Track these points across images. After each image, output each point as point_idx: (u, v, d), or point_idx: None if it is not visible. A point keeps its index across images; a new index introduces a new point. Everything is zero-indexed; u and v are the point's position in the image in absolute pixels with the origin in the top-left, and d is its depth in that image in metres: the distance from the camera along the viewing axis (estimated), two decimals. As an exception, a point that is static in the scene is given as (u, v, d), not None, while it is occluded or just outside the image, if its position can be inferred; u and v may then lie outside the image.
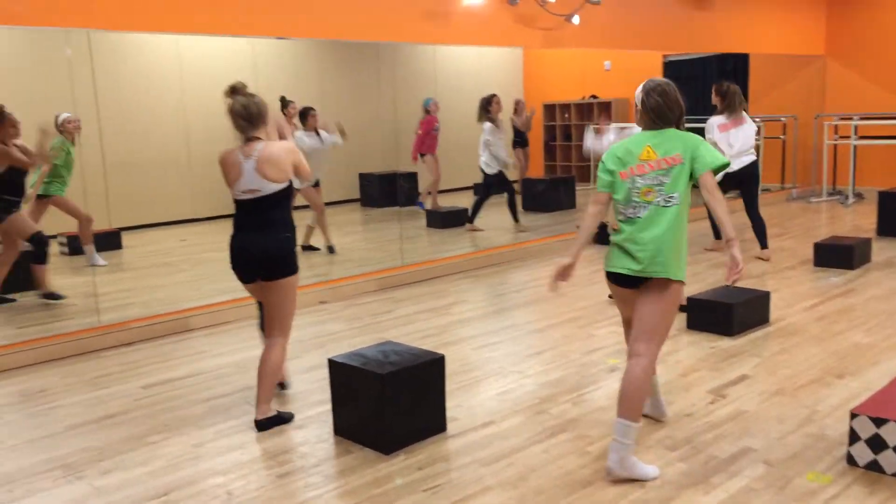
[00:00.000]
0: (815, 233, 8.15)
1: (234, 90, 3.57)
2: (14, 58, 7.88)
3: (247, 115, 3.52)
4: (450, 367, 3.84)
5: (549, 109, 12.79)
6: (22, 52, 7.93)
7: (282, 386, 4.04)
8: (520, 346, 4.75)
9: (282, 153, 3.54)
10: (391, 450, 3.31)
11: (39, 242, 5.76)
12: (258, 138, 3.56)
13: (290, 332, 3.75)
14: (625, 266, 3.08)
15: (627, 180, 3.06)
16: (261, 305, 3.86)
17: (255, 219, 3.56)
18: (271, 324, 3.68)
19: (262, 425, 3.59)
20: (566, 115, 12.68)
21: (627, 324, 3.29)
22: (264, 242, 3.56)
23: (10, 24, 4.76)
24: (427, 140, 9.61)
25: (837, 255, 6.47)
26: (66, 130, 6.54)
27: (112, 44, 8.48)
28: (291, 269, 3.63)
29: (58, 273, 6.69)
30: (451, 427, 3.53)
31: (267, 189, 3.52)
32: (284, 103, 7.46)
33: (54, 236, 7.37)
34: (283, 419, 3.67)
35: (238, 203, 3.60)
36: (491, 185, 8.46)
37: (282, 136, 3.99)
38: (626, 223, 3.08)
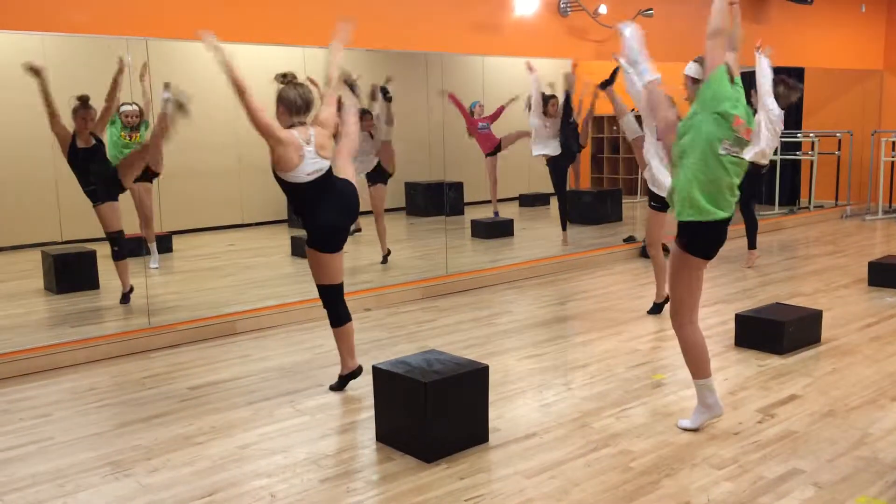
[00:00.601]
0: (870, 251, 7.93)
1: (286, 77, 3.92)
2: (73, 66, 8.12)
3: (304, 102, 3.88)
4: (493, 378, 3.82)
5: (598, 122, 12.70)
6: (82, 59, 8.16)
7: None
8: (564, 359, 4.71)
9: (326, 135, 3.93)
10: (433, 458, 3.31)
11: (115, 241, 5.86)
12: (304, 123, 3.90)
13: None
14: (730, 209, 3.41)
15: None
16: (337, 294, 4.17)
17: (329, 197, 3.92)
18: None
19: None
20: (614, 128, 12.58)
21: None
22: (350, 195, 3.98)
23: (73, 32, 4.92)
24: (480, 139, 9.51)
25: (893, 274, 6.29)
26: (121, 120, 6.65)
27: (169, 52, 8.68)
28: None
29: (112, 275, 6.86)
30: (493, 438, 3.52)
31: (326, 166, 3.89)
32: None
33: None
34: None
35: (306, 185, 3.86)
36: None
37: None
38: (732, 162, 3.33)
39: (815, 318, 4.90)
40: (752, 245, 7.20)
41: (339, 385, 4.22)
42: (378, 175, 7.32)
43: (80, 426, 3.83)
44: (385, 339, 5.20)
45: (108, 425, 3.83)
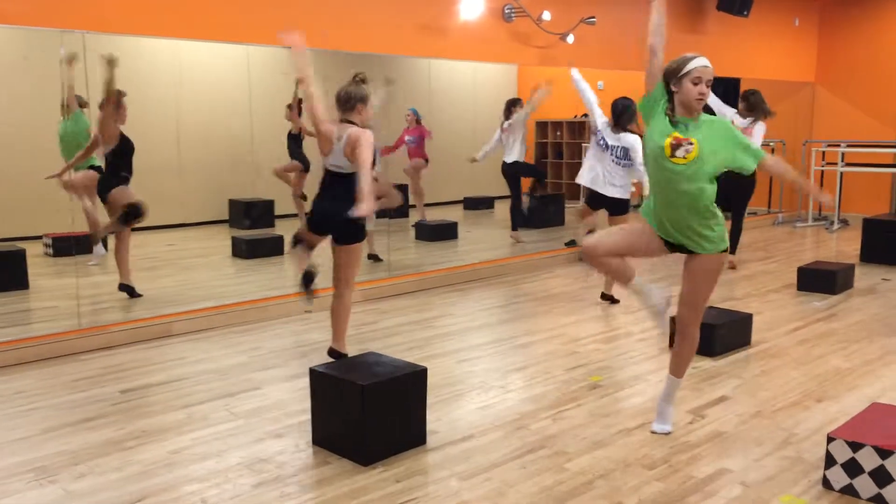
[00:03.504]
0: (800, 257, 8.20)
1: (356, 77, 4.30)
2: (6, 56, 7.85)
3: (344, 97, 4.21)
4: (432, 380, 3.83)
5: (542, 127, 12.85)
6: (14, 50, 7.90)
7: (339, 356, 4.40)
8: (503, 361, 4.75)
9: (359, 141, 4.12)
10: (369, 461, 3.29)
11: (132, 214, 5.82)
12: (351, 122, 4.20)
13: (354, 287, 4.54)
14: None
15: None
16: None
17: (335, 190, 4.22)
18: (338, 279, 4.43)
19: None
20: (558, 133, 12.74)
21: None
22: (339, 209, 4.12)
23: (5, 22, 4.76)
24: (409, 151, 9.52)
25: (820, 279, 6.51)
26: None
27: (108, 47, 8.47)
28: (359, 237, 4.36)
29: (41, 275, 6.66)
30: (431, 440, 3.52)
31: (347, 168, 4.17)
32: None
33: (40, 237, 7.34)
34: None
35: (326, 171, 4.26)
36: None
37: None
38: None
39: (745, 321, 5.04)
40: (732, 251, 7.37)
41: (304, 283, 4.51)
42: None
43: (4, 430, 3.70)
44: (324, 342, 5.14)
45: (35, 430, 3.70)
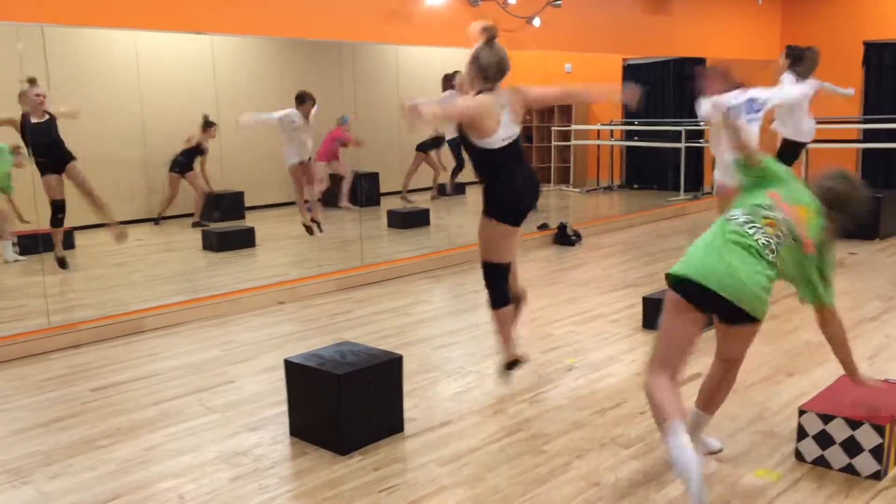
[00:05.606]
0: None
1: (487, 30, 3.63)
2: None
3: (499, 70, 3.64)
4: (408, 368, 3.82)
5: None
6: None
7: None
8: (479, 346, 4.75)
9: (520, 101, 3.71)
10: (347, 450, 3.28)
11: None
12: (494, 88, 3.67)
13: None
14: None
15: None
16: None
17: (518, 158, 3.74)
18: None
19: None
20: (527, 117, 12.73)
21: None
22: (533, 177, 3.85)
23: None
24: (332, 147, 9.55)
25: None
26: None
27: (67, 39, 8.29)
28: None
29: (7, 274, 6.53)
30: (409, 427, 3.52)
31: (517, 132, 3.71)
32: (208, 124, 8.41)
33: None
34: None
35: (498, 150, 3.66)
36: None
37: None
38: None
39: (717, 299, 5.10)
40: None
41: (507, 370, 3.96)
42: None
43: (-28, 434, 3.63)
44: (298, 333, 5.12)
45: (5, 431, 3.64)
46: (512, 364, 3.94)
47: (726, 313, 2.88)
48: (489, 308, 3.92)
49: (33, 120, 6.12)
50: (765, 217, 2.81)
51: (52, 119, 6.22)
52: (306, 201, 8.05)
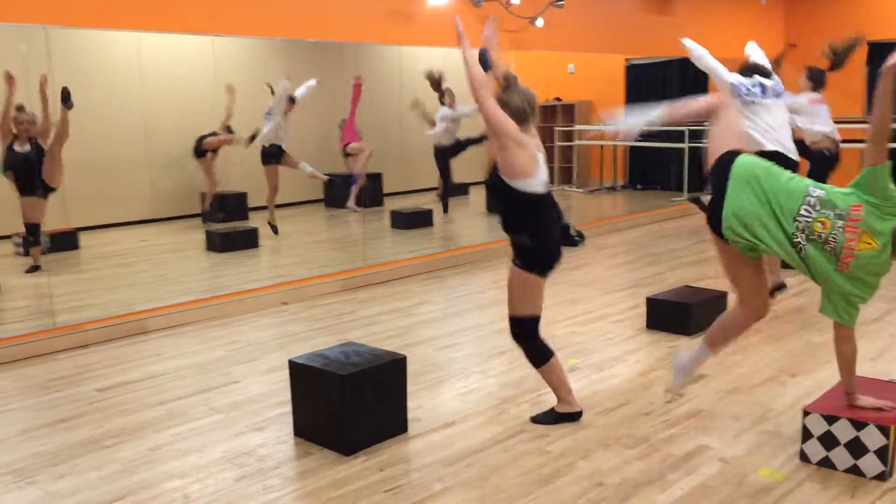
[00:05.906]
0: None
1: (507, 80, 3.42)
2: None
3: (531, 110, 3.40)
4: (412, 368, 3.83)
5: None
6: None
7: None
8: (483, 347, 4.76)
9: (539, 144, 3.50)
10: (352, 451, 3.29)
11: None
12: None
13: None
14: None
15: None
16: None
17: (551, 205, 3.49)
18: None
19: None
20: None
21: None
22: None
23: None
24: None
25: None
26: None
27: (69, 40, 8.31)
28: None
29: (11, 274, 6.54)
30: (413, 428, 3.53)
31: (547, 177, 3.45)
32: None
33: (9, 236, 7.21)
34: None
35: (539, 197, 3.37)
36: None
37: None
38: None
39: (720, 299, 5.09)
40: None
41: (551, 419, 3.58)
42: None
43: (-22, 434, 3.65)
44: (303, 333, 5.13)
45: (12, 431, 3.65)
46: (572, 416, 3.60)
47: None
48: (534, 367, 3.58)
49: (16, 148, 6.01)
50: (823, 217, 2.86)
51: (37, 148, 6.03)
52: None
